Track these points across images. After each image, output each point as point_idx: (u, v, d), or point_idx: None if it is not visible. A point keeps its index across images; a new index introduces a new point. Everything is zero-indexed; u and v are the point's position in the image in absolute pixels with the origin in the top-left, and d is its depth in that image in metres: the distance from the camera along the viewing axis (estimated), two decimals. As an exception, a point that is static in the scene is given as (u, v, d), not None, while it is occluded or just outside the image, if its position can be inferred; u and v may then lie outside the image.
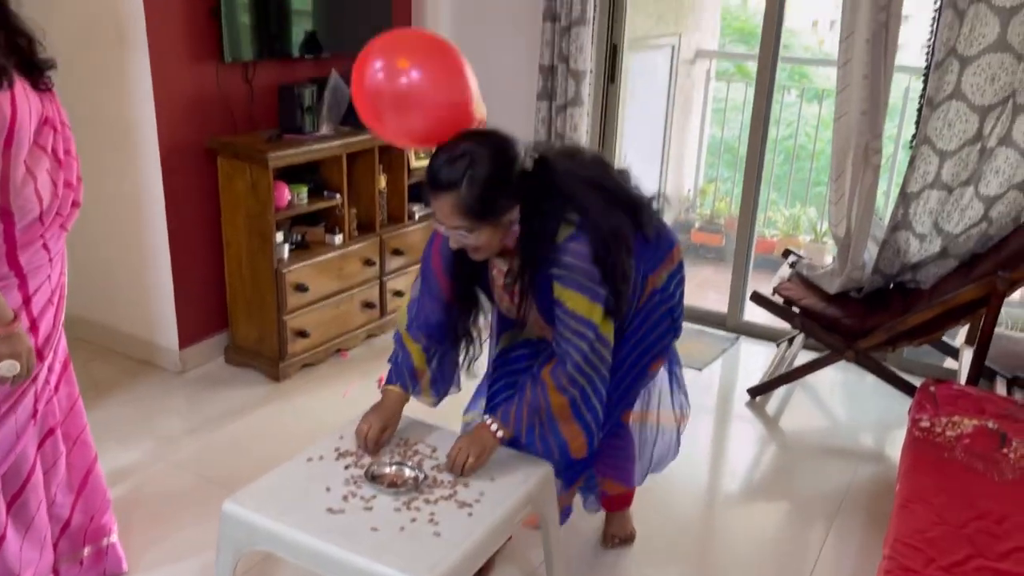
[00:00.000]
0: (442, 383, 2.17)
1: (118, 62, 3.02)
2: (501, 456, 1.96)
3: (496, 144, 1.79)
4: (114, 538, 2.23)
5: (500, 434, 1.91)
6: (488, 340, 2.27)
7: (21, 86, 1.74)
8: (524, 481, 1.89)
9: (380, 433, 1.97)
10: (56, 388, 2.02)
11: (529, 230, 1.82)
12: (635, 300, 2.01)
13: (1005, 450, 2.29)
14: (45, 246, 1.85)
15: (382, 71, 1.81)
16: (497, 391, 2.20)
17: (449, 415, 2.28)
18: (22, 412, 1.89)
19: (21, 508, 1.98)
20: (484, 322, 2.18)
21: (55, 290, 1.93)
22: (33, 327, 1.86)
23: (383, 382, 3.21)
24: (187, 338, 3.33)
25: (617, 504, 2.40)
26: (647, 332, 2.08)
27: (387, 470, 1.88)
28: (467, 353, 2.13)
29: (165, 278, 3.22)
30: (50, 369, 1.96)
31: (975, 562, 1.85)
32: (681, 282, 2.14)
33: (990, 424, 2.40)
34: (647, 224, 1.98)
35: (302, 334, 3.32)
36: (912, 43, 4.81)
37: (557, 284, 1.84)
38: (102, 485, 2.20)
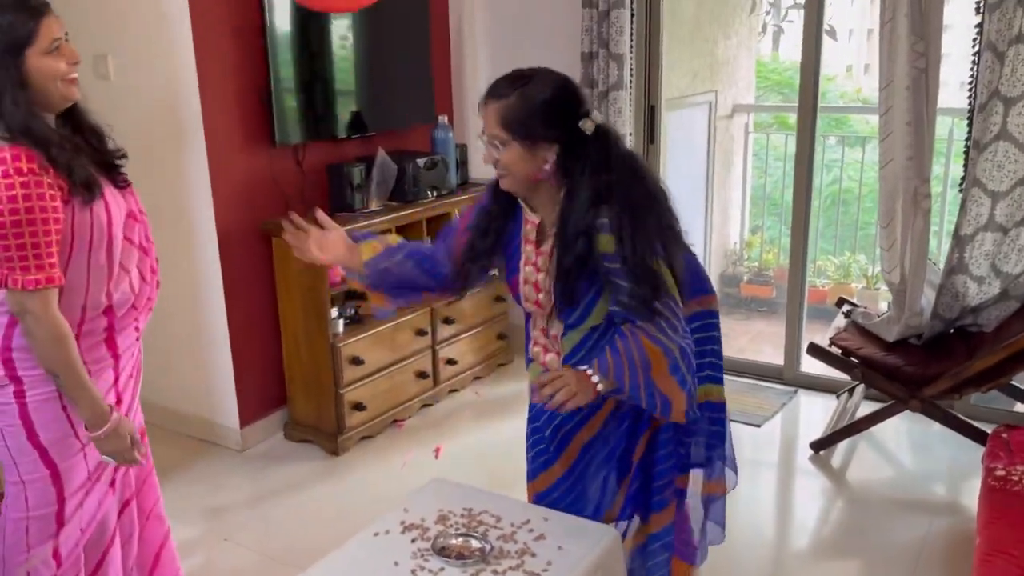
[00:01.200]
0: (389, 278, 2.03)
1: (176, 152, 3.15)
2: (568, 525, 1.94)
3: (562, 83, 1.80)
4: (186, 619, 2.25)
5: (600, 387, 1.76)
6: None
7: (107, 189, 1.85)
8: (591, 549, 1.86)
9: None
10: None
11: (571, 188, 1.78)
12: None
13: (1088, 497, 2.21)
14: (136, 327, 1.96)
15: None
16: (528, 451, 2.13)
17: (513, 485, 2.27)
18: (104, 479, 1.96)
19: None
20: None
21: (136, 365, 2.02)
22: (118, 401, 1.96)
23: (440, 452, 3.23)
24: (247, 416, 3.38)
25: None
26: None
27: (453, 542, 1.87)
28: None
29: (225, 358, 3.30)
30: None
31: (1067, 617, 1.78)
32: (708, 328, 2.00)
33: (1069, 470, 2.33)
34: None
35: (359, 407, 3.36)
36: (952, 82, 4.79)
37: (603, 236, 1.74)
38: (175, 563, 2.23)
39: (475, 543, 1.86)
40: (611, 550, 1.91)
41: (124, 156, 1.97)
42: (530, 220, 1.91)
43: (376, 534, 1.94)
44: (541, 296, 1.91)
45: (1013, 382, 3.23)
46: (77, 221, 1.78)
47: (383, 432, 3.51)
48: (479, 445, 3.43)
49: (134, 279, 1.93)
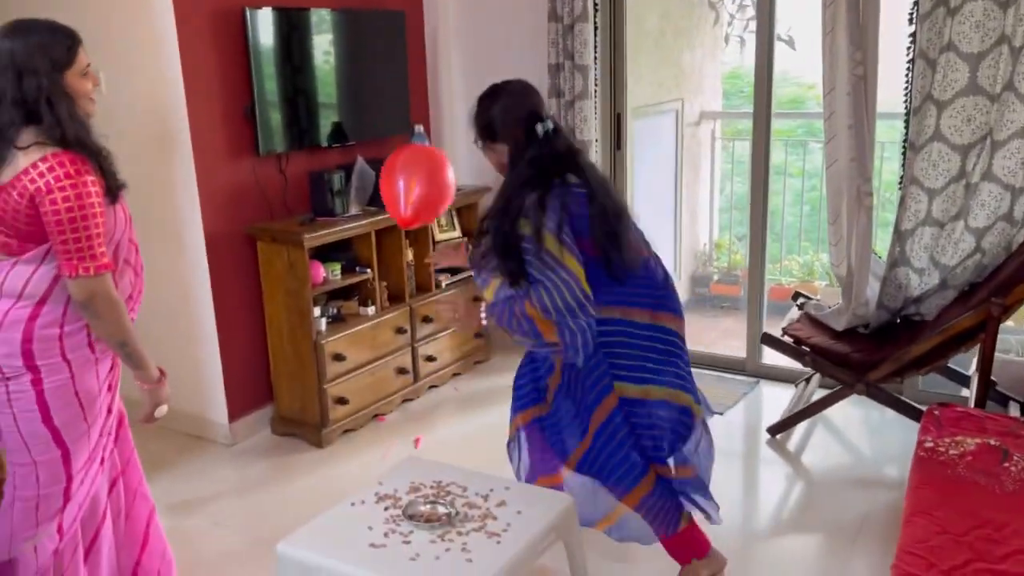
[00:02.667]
0: None
1: (165, 161, 3.34)
2: (527, 493, 2.14)
3: (516, 95, 2.30)
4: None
5: (485, 322, 2.29)
6: None
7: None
8: (547, 513, 2.06)
9: None
10: (115, 441, 2.27)
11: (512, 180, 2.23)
12: None
13: (1007, 464, 2.41)
14: (131, 319, 2.16)
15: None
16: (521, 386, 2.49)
17: (488, 470, 2.46)
18: (96, 457, 2.15)
19: (95, 555, 2.21)
20: None
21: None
22: (111, 387, 2.16)
23: (420, 442, 3.48)
24: (236, 412, 3.57)
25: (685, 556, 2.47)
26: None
27: (422, 508, 2.07)
28: None
29: (214, 356, 3.48)
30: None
31: (974, 565, 1.97)
32: (676, 345, 2.39)
33: (992, 441, 2.53)
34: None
35: (342, 401, 3.54)
36: (897, 87, 5.00)
37: (522, 219, 2.16)
38: (162, 539, 2.41)
39: (442, 509, 2.06)
40: (566, 514, 2.11)
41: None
42: None
43: (352, 504, 2.13)
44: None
45: (956, 367, 3.46)
46: (107, 219, 1.98)
47: (365, 426, 3.70)
48: (457, 437, 3.62)
49: (132, 273, 2.14)
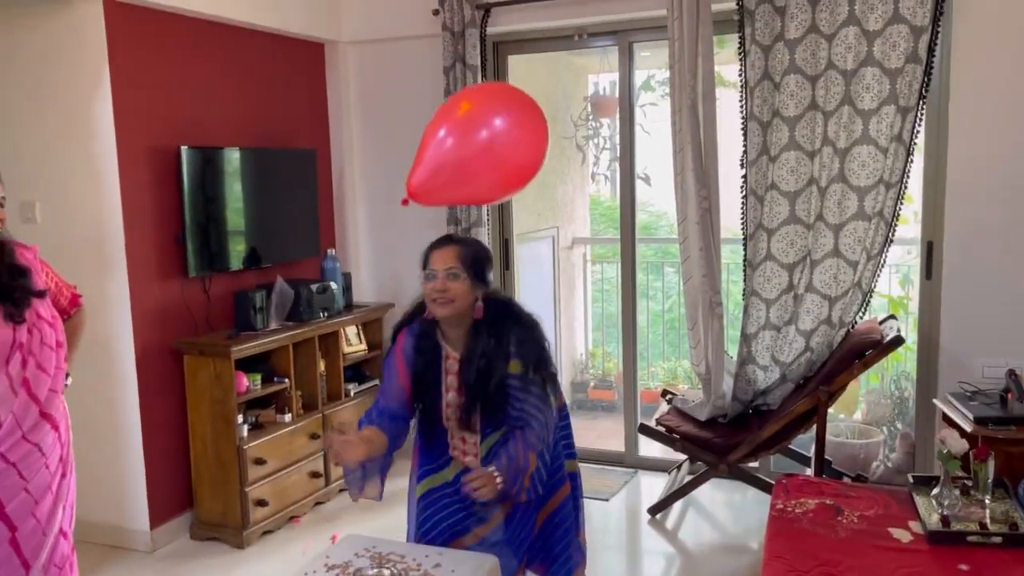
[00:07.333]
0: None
1: (102, 284, 3.61)
2: (457, 557, 2.51)
3: (487, 251, 2.63)
4: None
5: (499, 481, 2.41)
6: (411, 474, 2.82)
7: None
8: (477, 570, 2.43)
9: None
10: None
11: (488, 316, 2.51)
12: None
13: (840, 518, 2.98)
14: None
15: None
16: (427, 527, 2.71)
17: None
18: None
19: None
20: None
21: None
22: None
23: (336, 539, 3.74)
24: (157, 519, 3.73)
25: None
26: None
27: (370, 572, 2.39)
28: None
29: (138, 465, 3.67)
30: None
31: (818, 592, 2.48)
32: (565, 418, 2.84)
33: (828, 501, 3.10)
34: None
35: (262, 503, 3.78)
36: (736, 218, 5.90)
37: (513, 360, 2.48)
38: None
39: (387, 572, 2.39)
40: (492, 570, 2.48)
41: (36, 295, 2.28)
42: (451, 356, 2.60)
43: (306, 574, 2.43)
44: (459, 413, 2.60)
45: (798, 449, 4.08)
46: None
47: (282, 527, 3.92)
48: (369, 533, 3.88)
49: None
